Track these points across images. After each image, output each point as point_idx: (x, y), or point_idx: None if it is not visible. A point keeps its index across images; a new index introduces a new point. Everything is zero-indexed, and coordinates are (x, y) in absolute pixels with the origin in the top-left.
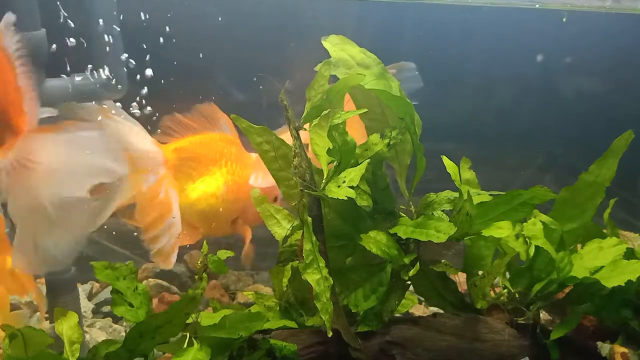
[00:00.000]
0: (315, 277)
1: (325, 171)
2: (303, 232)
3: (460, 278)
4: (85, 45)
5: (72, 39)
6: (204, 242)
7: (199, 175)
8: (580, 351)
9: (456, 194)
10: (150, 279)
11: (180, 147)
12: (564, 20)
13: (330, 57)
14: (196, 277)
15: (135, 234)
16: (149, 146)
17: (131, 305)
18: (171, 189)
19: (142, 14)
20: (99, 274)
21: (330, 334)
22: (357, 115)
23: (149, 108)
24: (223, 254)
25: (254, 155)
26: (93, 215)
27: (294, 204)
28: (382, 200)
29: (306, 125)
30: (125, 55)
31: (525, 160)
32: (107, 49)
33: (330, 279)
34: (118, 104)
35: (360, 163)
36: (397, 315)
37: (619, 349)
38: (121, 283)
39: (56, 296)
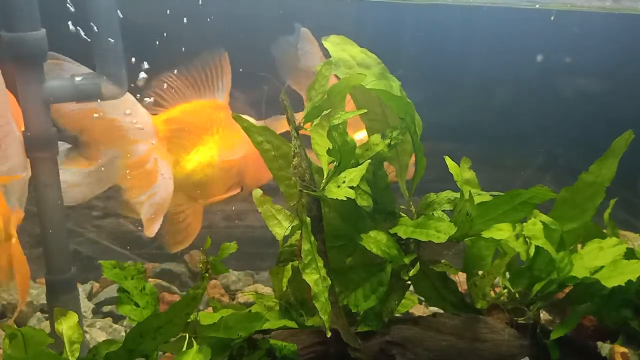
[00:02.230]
0: (314, 277)
1: (326, 171)
2: (301, 232)
3: (460, 278)
4: (84, 45)
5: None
6: (207, 237)
7: (192, 145)
8: (580, 351)
9: (456, 194)
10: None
11: (171, 118)
12: (552, 18)
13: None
14: (199, 266)
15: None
16: (140, 116)
17: (137, 305)
18: (161, 160)
19: (142, 13)
20: (107, 273)
21: (329, 334)
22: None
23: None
24: (226, 247)
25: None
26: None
27: (293, 203)
28: (382, 200)
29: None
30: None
31: (525, 160)
32: (107, 49)
33: (329, 279)
34: None
35: (361, 163)
36: (397, 315)
37: (619, 349)
38: (129, 282)
39: (56, 296)
